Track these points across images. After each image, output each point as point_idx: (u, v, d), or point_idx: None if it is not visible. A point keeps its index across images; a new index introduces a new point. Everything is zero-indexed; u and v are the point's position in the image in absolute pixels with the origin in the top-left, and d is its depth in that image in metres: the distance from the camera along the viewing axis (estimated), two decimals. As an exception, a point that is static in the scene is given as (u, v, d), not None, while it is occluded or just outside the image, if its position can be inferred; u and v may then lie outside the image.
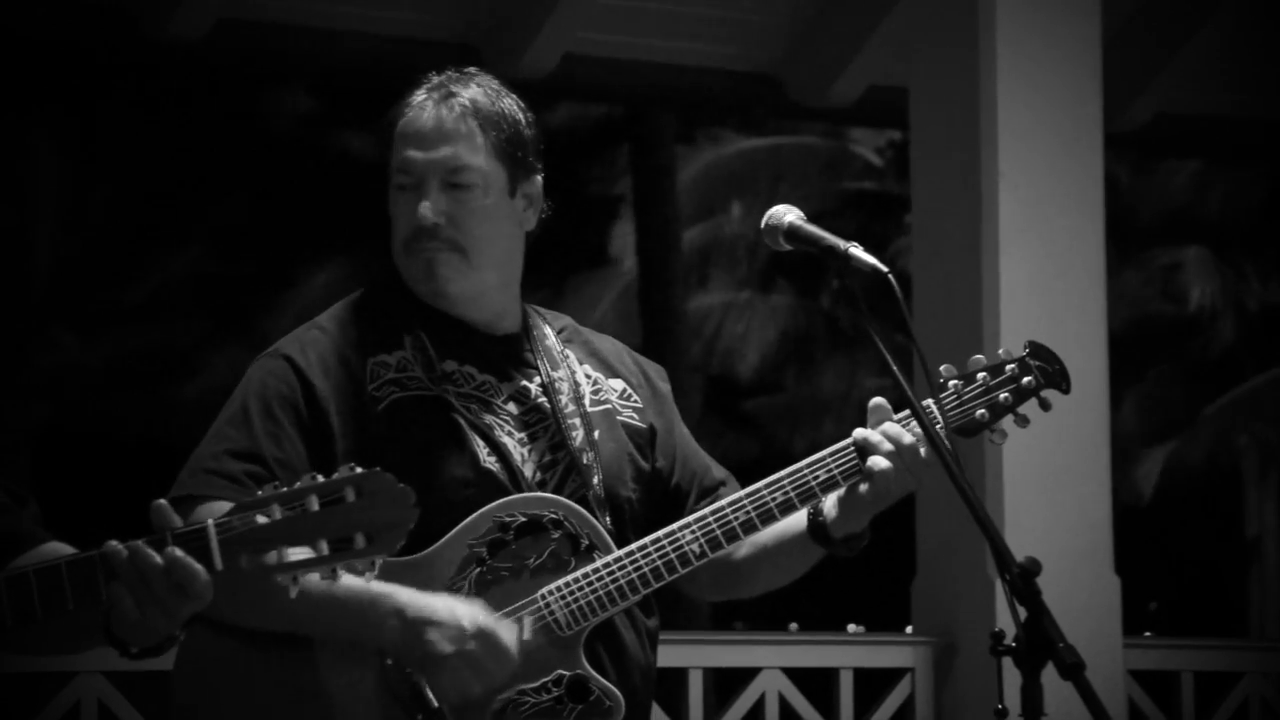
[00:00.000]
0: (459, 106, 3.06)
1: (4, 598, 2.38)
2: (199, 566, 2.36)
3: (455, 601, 2.91)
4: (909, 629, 6.47)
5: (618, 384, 3.21)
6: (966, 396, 3.14)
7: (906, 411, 3.06)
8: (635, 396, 3.21)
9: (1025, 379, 3.17)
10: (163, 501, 2.43)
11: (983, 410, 3.15)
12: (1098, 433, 6.13)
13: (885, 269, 2.89)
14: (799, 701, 6.04)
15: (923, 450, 3.01)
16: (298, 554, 2.38)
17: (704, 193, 18.77)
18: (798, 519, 3.10)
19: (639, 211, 14.92)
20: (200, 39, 7.62)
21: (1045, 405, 3.20)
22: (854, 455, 3.06)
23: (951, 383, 3.14)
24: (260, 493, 2.39)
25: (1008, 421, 3.18)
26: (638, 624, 3.12)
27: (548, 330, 3.20)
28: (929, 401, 3.05)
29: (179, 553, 2.36)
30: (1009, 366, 3.18)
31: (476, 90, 3.08)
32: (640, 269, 14.57)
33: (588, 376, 3.18)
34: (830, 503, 3.08)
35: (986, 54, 6.16)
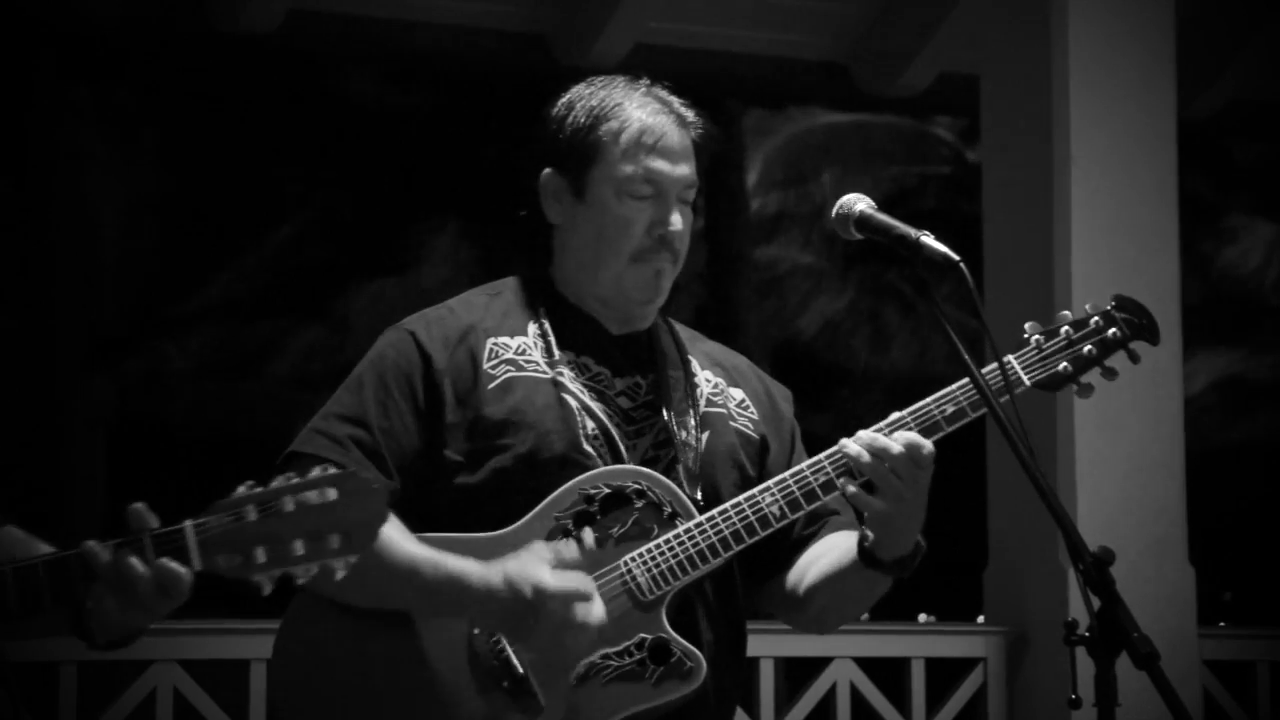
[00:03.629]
0: (693, 128, 3.17)
1: None
2: (183, 570, 2.40)
3: (514, 570, 2.93)
4: (981, 618, 6.45)
5: (737, 393, 3.26)
6: (1048, 350, 3.15)
7: (894, 416, 3.07)
8: (753, 409, 3.26)
9: (1110, 331, 3.17)
10: (140, 505, 2.46)
11: (1065, 364, 3.15)
12: (1172, 419, 6.09)
13: (957, 258, 2.88)
14: (871, 691, 6.04)
15: (896, 449, 2.99)
16: (274, 555, 2.42)
17: (791, 160, 18.71)
18: (855, 548, 3.11)
19: (708, 193, 14.93)
20: (272, 31, 7.67)
21: (1134, 358, 3.19)
22: (945, 406, 3.08)
23: (1034, 337, 3.15)
24: (237, 493, 2.43)
25: (1095, 375, 3.16)
26: (735, 627, 3.18)
27: (673, 334, 3.26)
28: (996, 363, 3.03)
29: (164, 560, 2.40)
30: (1094, 319, 3.18)
31: (691, 113, 3.18)
32: (707, 237, 14.64)
33: (708, 380, 3.23)
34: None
35: (1059, 42, 6.13)
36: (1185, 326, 6.20)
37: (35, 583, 2.40)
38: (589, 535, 3.00)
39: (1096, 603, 2.66)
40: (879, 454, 2.99)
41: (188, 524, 2.41)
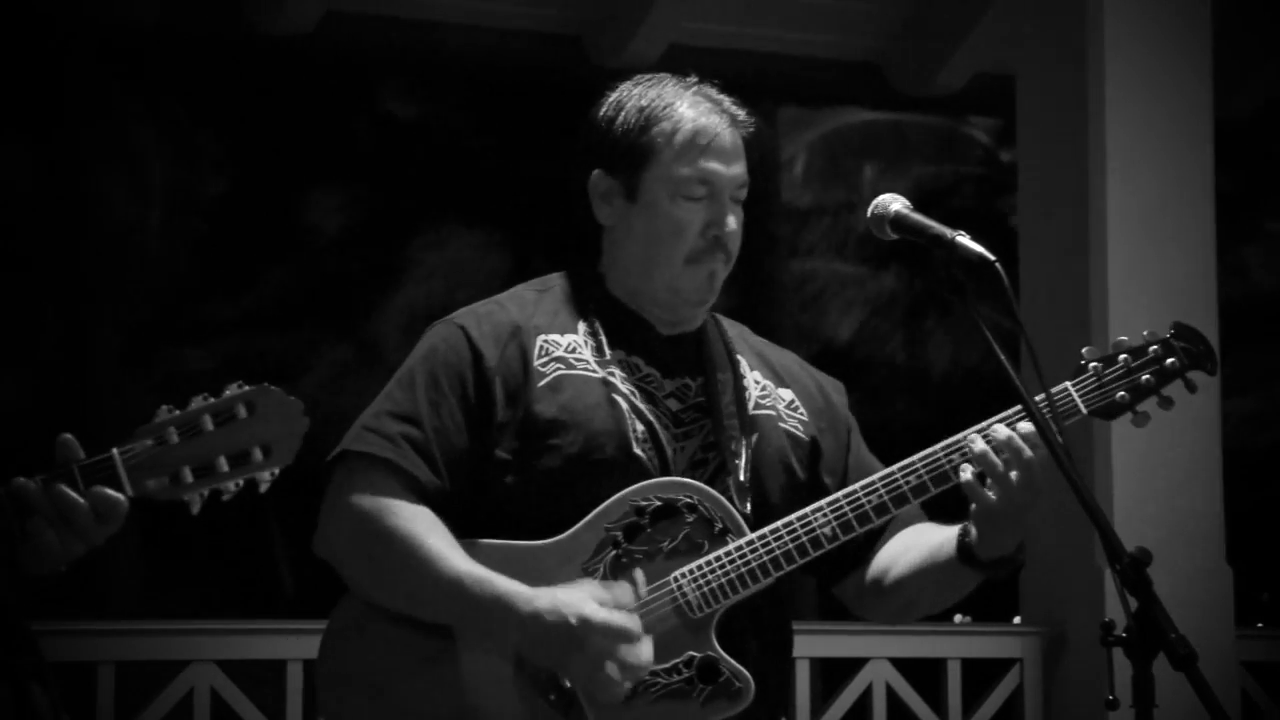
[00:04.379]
0: (743, 128, 3.16)
1: None
2: (120, 496, 2.45)
3: (563, 596, 2.93)
4: (1017, 619, 6.43)
5: (786, 394, 3.23)
6: (1107, 378, 3.13)
7: (1015, 408, 3.04)
8: (803, 409, 3.24)
9: (1169, 360, 3.15)
10: (68, 436, 2.51)
11: (1123, 392, 3.13)
12: (1210, 419, 6.07)
13: (992, 257, 2.87)
14: (907, 692, 6.03)
15: (1026, 452, 2.96)
16: (201, 474, 2.48)
17: (829, 158, 18.71)
18: (950, 542, 3.08)
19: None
20: (309, 32, 7.70)
21: (1191, 387, 3.18)
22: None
23: (1092, 364, 3.13)
24: (156, 418, 2.48)
25: (1152, 404, 3.16)
26: (782, 628, 3.18)
27: (721, 334, 3.25)
28: (1053, 389, 3.03)
29: (100, 488, 2.45)
30: (1152, 348, 3.16)
31: (740, 111, 3.17)
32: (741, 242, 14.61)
33: (756, 382, 3.21)
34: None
35: (1094, 41, 6.11)
36: (1223, 327, 6.17)
37: None
38: (641, 576, 2.99)
39: (1134, 603, 2.65)
40: (1001, 448, 2.97)
41: (115, 451, 2.46)
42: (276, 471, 2.49)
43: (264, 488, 2.50)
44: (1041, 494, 2.99)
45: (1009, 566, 3.08)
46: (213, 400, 2.47)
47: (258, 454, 2.47)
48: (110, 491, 2.44)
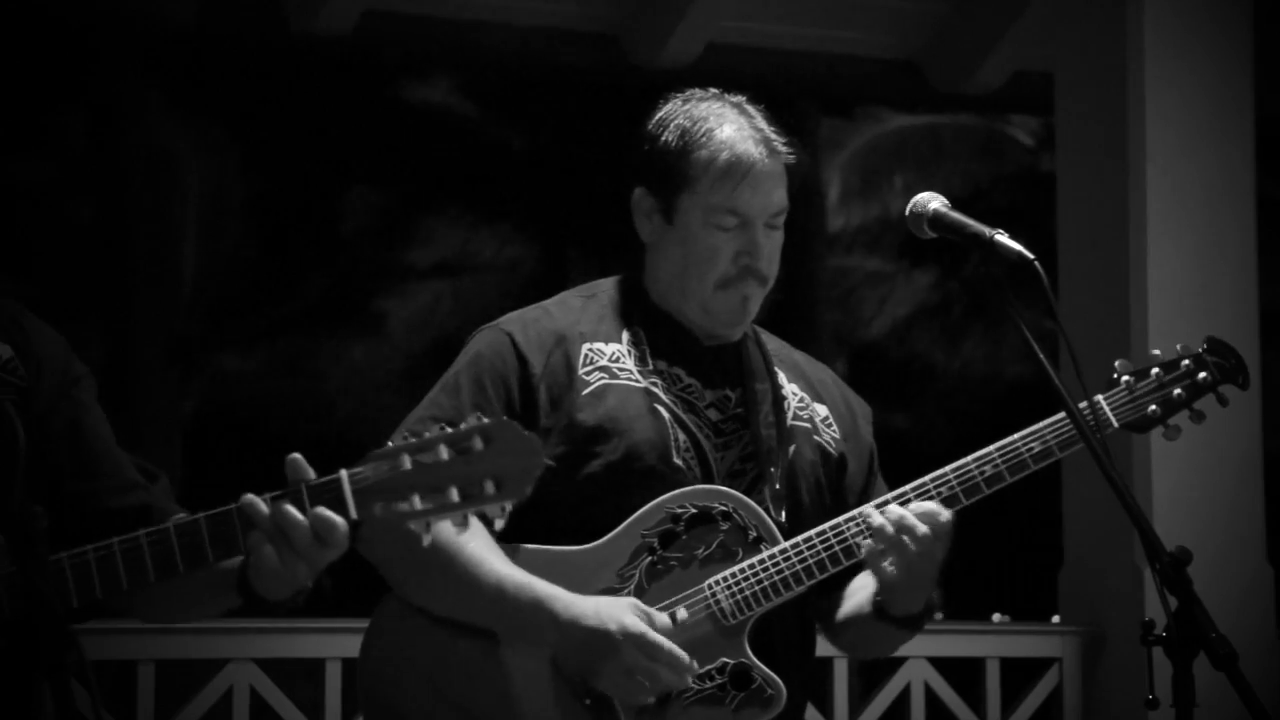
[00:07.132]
0: (782, 155, 3.18)
1: (146, 553, 2.46)
2: (339, 518, 2.44)
3: (605, 606, 2.97)
4: (1056, 618, 6.42)
5: (821, 408, 3.28)
6: (1139, 391, 3.17)
7: (917, 482, 3.09)
8: (835, 425, 3.29)
9: (1201, 374, 3.20)
10: (297, 456, 2.50)
11: (1155, 406, 3.17)
12: (1250, 419, 6.05)
13: (1031, 256, 2.88)
14: (945, 691, 6.01)
15: (921, 529, 3.01)
16: (429, 502, 2.44)
17: (864, 160, 18.71)
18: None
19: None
20: (347, 32, 7.71)
21: (1223, 401, 3.22)
22: (1031, 444, 3.11)
23: (1124, 378, 3.17)
24: (390, 444, 2.45)
25: (1183, 418, 3.20)
26: (805, 628, 3.21)
27: (761, 346, 3.29)
28: (1086, 402, 3.05)
29: (320, 509, 2.43)
30: (1184, 362, 3.20)
31: (781, 139, 3.19)
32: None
33: (794, 394, 3.26)
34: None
35: (1134, 38, 6.08)
36: (1263, 328, 6.14)
37: (198, 537, 2.46)
38: (683, 613, 3.03)
39: (1174, 602, 2.64)
40: (901, 528, 3.01)
41: (343, 472, 2.45)
42: (508, 507, 2.44)
43: (499, 524, 2.47)
44: (935, 563, 3.04)
45: (921, 623, 3.13)
46: (449, 430, 2.44)
47: (490, 487, 2.42)
48: (329, 513, 2.43)
